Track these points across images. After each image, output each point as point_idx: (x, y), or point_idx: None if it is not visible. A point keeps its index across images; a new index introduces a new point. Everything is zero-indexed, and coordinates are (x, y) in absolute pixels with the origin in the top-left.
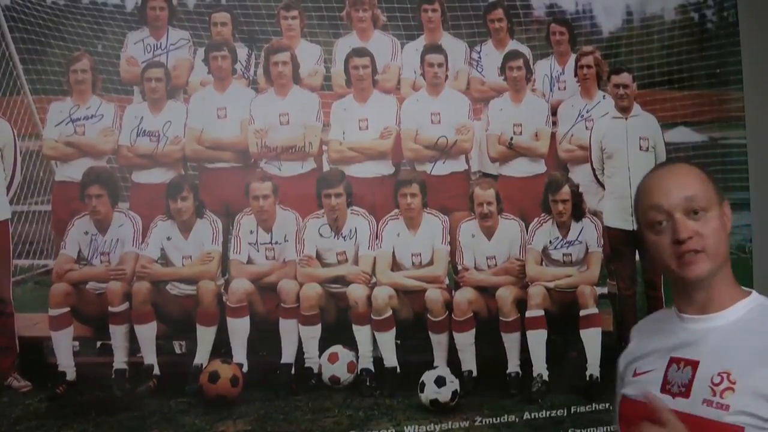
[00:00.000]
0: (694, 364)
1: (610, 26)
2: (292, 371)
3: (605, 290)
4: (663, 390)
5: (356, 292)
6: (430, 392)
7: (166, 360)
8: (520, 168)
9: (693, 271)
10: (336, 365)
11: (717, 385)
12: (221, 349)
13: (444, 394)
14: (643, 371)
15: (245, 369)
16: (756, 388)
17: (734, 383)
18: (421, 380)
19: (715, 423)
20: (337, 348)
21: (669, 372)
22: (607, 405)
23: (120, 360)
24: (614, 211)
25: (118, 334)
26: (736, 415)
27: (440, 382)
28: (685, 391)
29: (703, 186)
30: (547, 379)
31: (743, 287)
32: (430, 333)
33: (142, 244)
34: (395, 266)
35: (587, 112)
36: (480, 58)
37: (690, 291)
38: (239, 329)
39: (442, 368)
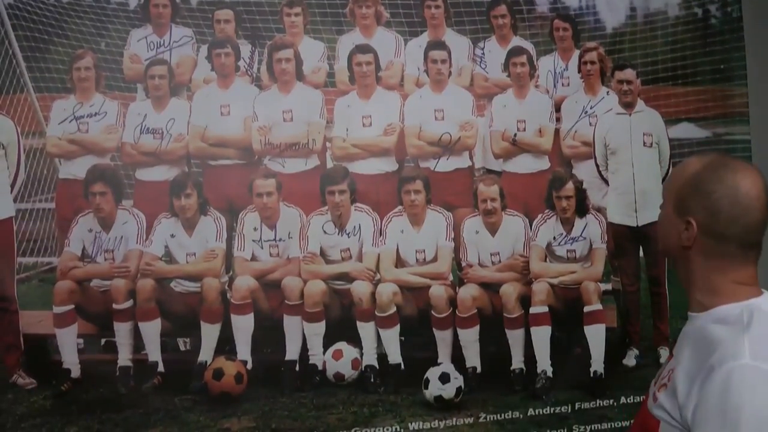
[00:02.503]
0: (671, 360)
1: (614, 22)
2: (297, 368)
3: (609, 286)
4: (655, 382)
5: (360, 289)
6: (434, 389)
7: (171, 357)
8: (523, 164)
9: None
10: (340, 362)
11: (663, 378)
12: (225, 346)
13: (448, 391)
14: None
15: (249, 366)
16: (675, 391)
17: (670, 381)
18: (425, 377)
19: (648, 412)
20: (342, 345)
21: (664, 364)
22: (611, 401)
23: (124, 357)
24: (618, 207)
25: (122, 331)
26: (657, 409)
27: (444, 378)
28: (656, 381)
29: (671, 182)
30: (551, 375)
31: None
32: (434, 329)
33: (146, 241)
34: (399, 263)
35: (591, 108)
36: (483, 54)
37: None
38: (243, 326)
39: (446, 365)
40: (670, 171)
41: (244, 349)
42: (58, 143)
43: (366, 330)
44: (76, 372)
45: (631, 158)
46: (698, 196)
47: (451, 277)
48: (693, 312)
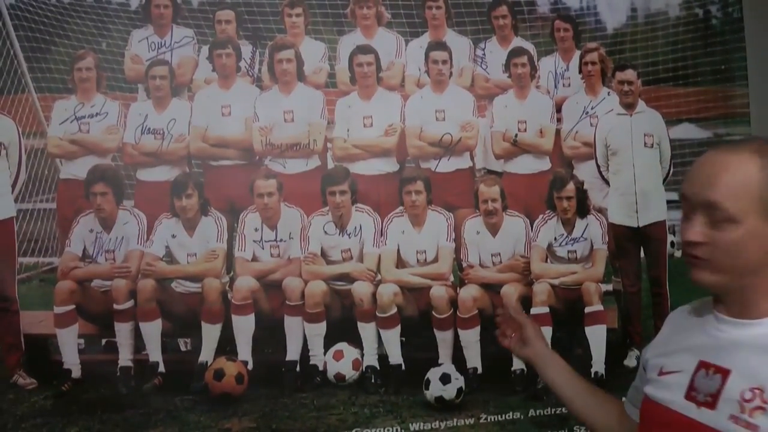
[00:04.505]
0: (724, 373)
1: (615, 23)
2: (297, 369)
3: (610, 287)
4: (688, 396)
5: (361, 290)
6: (435, 389)
7: (171, 357)
8: (524, 165)
9: (693, 275)
10: (341, 362)
11: (748, 401)
12: (226, 346)
13: (449, 392)
14: (669, 371)
15: (250, 366)
16: None
17: (767, 403)
18: (426, 377)
19: None
20: (342, 345)
21: (696, 377)
22: None
23: (125, 357)
24: (619, 207)
25: (123, 331)
26: None
27: (445, 379)
28: (712, 401)
29: (740, 190)
30: None
31: None
32: (435, 330)
33: (147, 241)
34: (400, 263)
35: (592, 108)
36: (484, 55)
37: (716, 292)
38: (244, 327)
39: (447, 365)
40: (700, 184)
41: (244, 350)
42: (59, 143)
43: (367, 330)
44: (76, 372)
45: (632, 159)
46: None
47: (451, 278)
48: (749, 319)
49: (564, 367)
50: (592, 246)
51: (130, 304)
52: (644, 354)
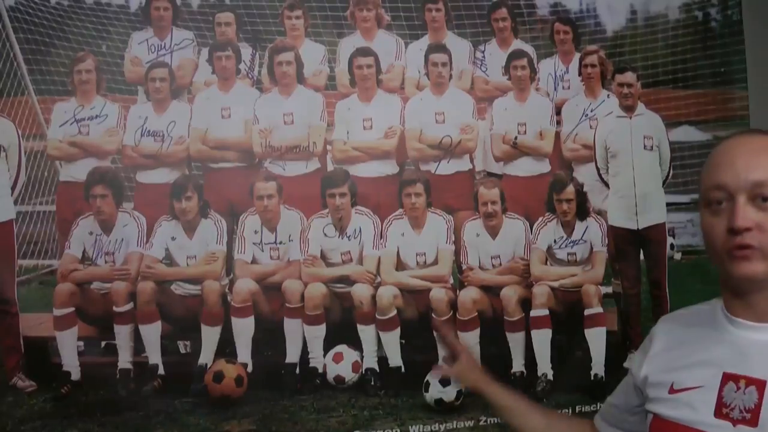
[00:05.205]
0: (760, 385)
1: (614, 25)
2: (297, 371)
3: (610, 289)
4: (718, 414)
5: (361, 292)
6: (434, 392)
7: (171, 360)
8: (524, 167)
9: (743, 268)
10: (341, 365)
11: None
12: (226, 348)
13: (449, 394)
14: (684, 387)
15: (250, 369)
16: None
17: None
18: (425, 380)
19: None
20: (342, 348)
21: (725, 392)
22: None
23: (125, 360)
24: (619, 210)
25: (122, 333)
26: None
27: (445, 381)
28: (752, 418)
29: None
30: (551, 378)
31: None
32: (434, 332)
33: (147, 244)
34: (400, 266)
35: (591, 111)
36: (484, 57)
37: (745, 292)
38: (244, 329)
39: None
40: (742, 167)
41: (244, 352)
42: (59, 146)
43: (366, 333)
44: (76, 374)
45: (632, 161)
46: None
47: (451, 280)
48: None
49: (513, 396)
50: (591, 248)
51: (129, 306)
52: (639, 370)
